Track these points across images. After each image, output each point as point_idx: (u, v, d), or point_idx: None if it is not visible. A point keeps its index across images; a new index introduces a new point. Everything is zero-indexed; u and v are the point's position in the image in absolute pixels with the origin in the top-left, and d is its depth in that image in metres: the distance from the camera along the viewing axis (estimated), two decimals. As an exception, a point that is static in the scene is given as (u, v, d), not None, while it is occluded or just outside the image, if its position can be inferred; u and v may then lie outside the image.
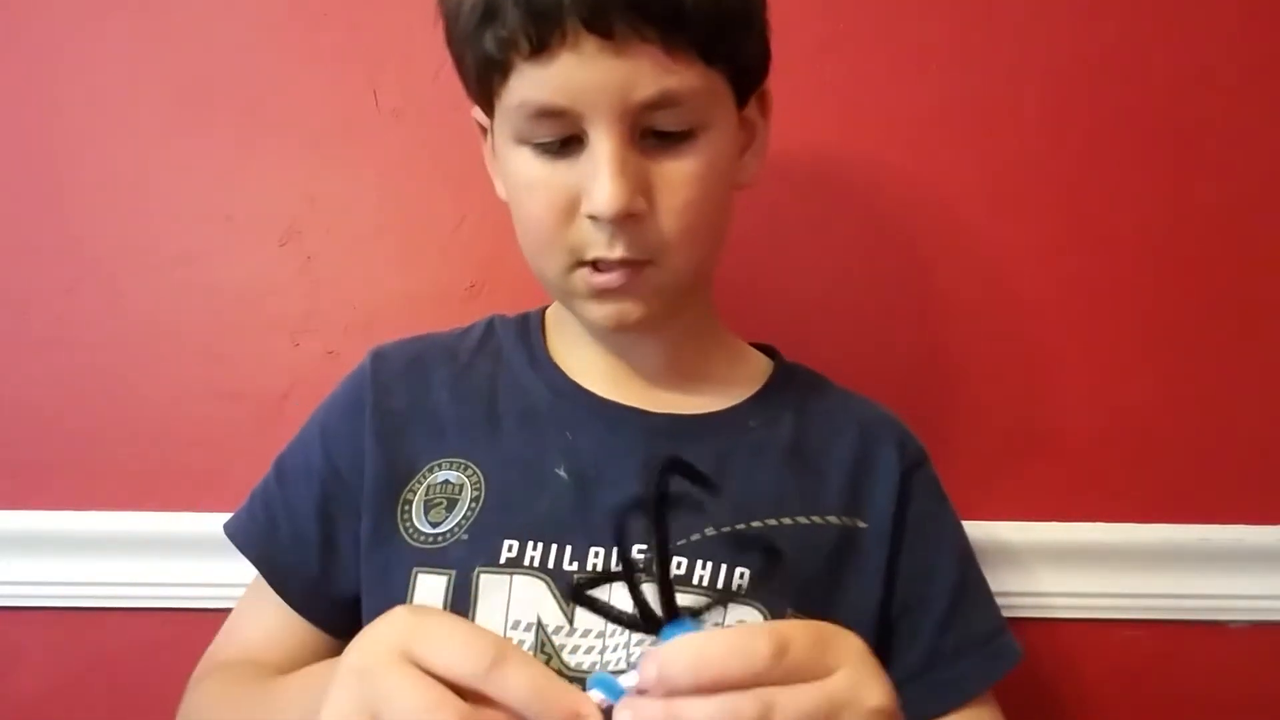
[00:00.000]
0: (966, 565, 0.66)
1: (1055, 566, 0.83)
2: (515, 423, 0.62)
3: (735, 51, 0.56)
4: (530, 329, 0.67)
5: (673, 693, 0.35)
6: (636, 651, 0.55)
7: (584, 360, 0.65)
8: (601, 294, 0.57)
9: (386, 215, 0.85)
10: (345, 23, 0.87)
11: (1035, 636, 0.84)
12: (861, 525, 0.61)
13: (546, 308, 0.70)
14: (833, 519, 0.61)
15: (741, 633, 0.36)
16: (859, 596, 0.61)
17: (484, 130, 0.63)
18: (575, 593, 0.50)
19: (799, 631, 0.37)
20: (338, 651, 0.59)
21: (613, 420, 0.62)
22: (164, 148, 0.87)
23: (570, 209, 0.55)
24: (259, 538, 0.65)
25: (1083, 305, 0.85)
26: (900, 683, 0.56)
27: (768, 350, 0.71)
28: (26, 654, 0.84)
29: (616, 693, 0.37)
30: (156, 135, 0.87)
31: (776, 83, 0.63)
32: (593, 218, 0.54)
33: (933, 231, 0.85)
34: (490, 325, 0.69)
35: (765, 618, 0.57)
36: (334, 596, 0.62)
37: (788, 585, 0.58)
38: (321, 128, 0.86)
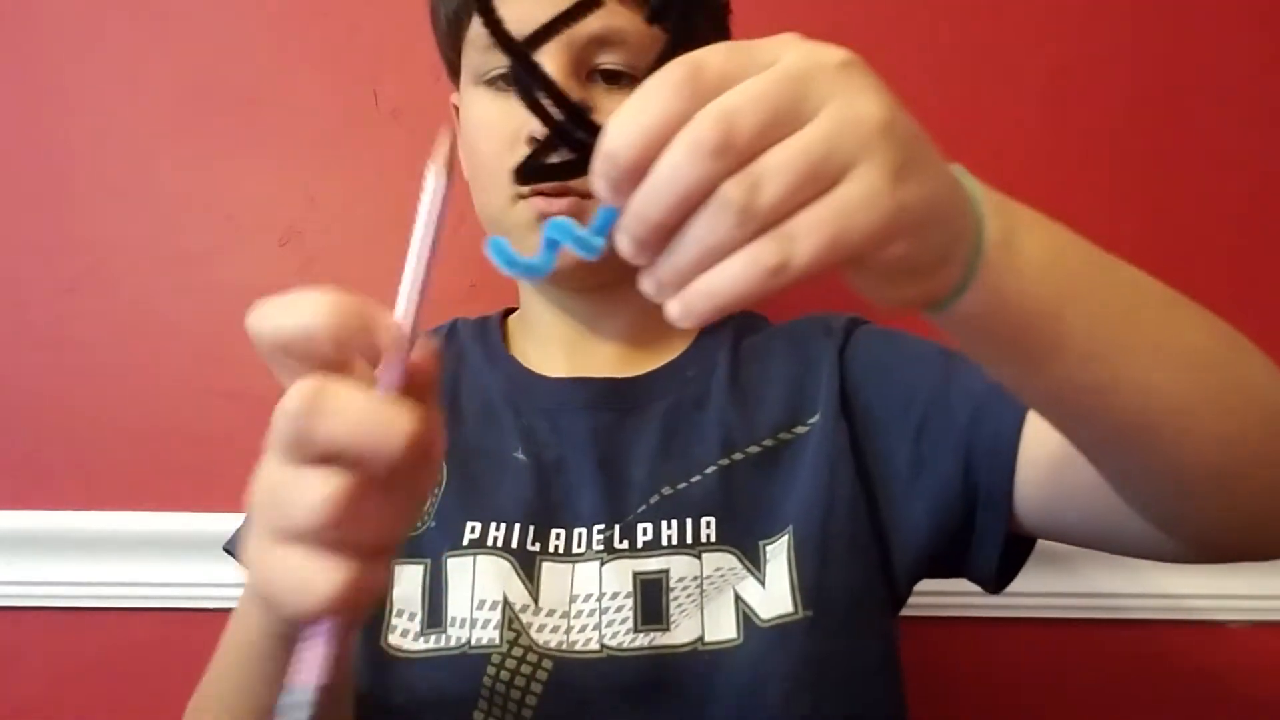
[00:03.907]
0: (948, 355, 0.60)
1: (1055, 567, 0.83)
2: (475, 416, 0.64)
3: (686, 19, 0.57)
4: (489, 329, 0.70)
5: (622, 171, 0.30)
6: (608, 633, 0.55)
7: (543, 349, 0.66)
8: (542, 221, 0.58)
9: (386, 215, 0.86)
10: (345, 23, 0.87)
11: (1035, 637, 0.84)
12: (801, 430, 0.60)
13: (508, 311, 0.72)
14: (769, 441, 0.60)
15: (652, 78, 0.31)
16: (820, 491, 0.57)
17: (458, 115, 0.66)
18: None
19: (711, 51, 0.31)
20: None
21: (560, 395, 0.63)
22: (164, 148, 0.87)
23: (514, 138, 0.58)
24: None
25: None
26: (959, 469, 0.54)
27: None
28: (26, 654, 0.84)
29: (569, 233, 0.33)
30: (156, 135, 0.87)
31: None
32: (532, 140, 0.56)
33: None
34: (453, 327, 0.71)
35: (741, 562, 0.56)
36: None
37: (755, 524, 0.57)
38: (321, 128, 0.86)
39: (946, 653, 0.83)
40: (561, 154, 0.39)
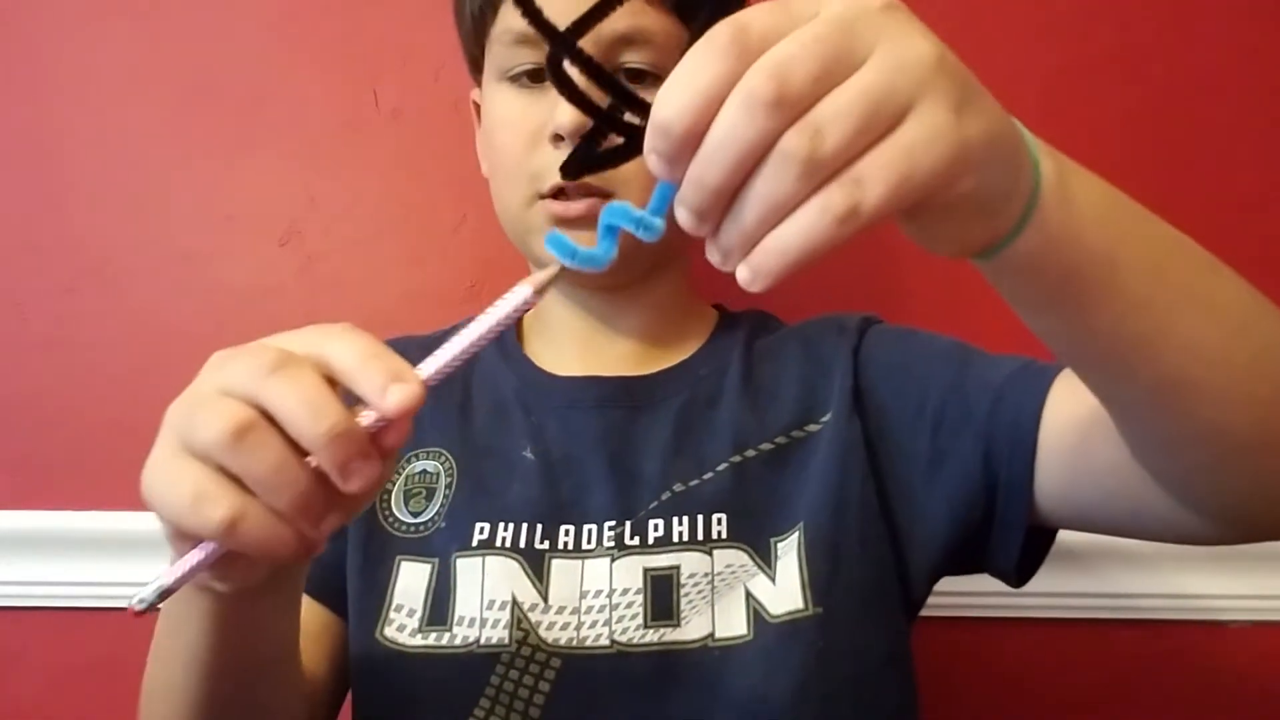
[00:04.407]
0: (963, 349, 0.60)
1: (1055, 567, 0.83)
2: (486, 413, 0.64)
3: (710, 17, 0.57)
4: None
5: (676, 140, 0.30)
6: (618, 629, 0.55)
7: (557, 347, 0.66)
8: (559, 225, 0.58)
9: (386, 215, 0.85)
10: (345, 23, 0.87)
11: (1036, 637, 0.84)
12: (813, 428, 0.60)
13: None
14: (781, 439, 0.60)
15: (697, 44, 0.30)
16: (831, 488, 0.57)
17: (478, 113, 0.66)
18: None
19: (751, 11, 0.30)
20: (343, 631, 0.59)
21: (571, 394, 0.63)
22: (164, 148, 0.87)
23: (536, 136, 0.58)
24: None
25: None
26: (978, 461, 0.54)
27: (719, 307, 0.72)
28: (26, 654, 0.84)
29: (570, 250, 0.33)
30: (156, 135, 0.87)
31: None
32: (556, 137, 0.56)
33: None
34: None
35: (752, 559, 0.56)
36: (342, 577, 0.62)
37: (766, 521, 0.57)
38: (321, 128, 0.86)
39: (953, 651, 0.83)
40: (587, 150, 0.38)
